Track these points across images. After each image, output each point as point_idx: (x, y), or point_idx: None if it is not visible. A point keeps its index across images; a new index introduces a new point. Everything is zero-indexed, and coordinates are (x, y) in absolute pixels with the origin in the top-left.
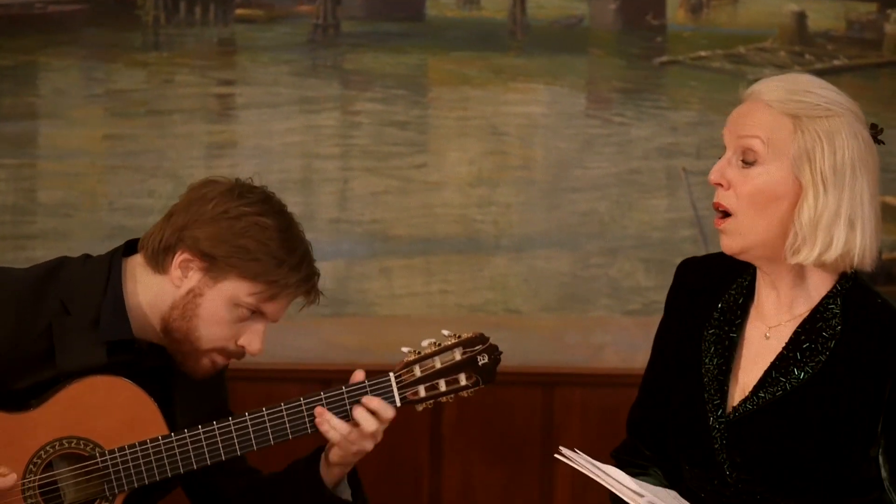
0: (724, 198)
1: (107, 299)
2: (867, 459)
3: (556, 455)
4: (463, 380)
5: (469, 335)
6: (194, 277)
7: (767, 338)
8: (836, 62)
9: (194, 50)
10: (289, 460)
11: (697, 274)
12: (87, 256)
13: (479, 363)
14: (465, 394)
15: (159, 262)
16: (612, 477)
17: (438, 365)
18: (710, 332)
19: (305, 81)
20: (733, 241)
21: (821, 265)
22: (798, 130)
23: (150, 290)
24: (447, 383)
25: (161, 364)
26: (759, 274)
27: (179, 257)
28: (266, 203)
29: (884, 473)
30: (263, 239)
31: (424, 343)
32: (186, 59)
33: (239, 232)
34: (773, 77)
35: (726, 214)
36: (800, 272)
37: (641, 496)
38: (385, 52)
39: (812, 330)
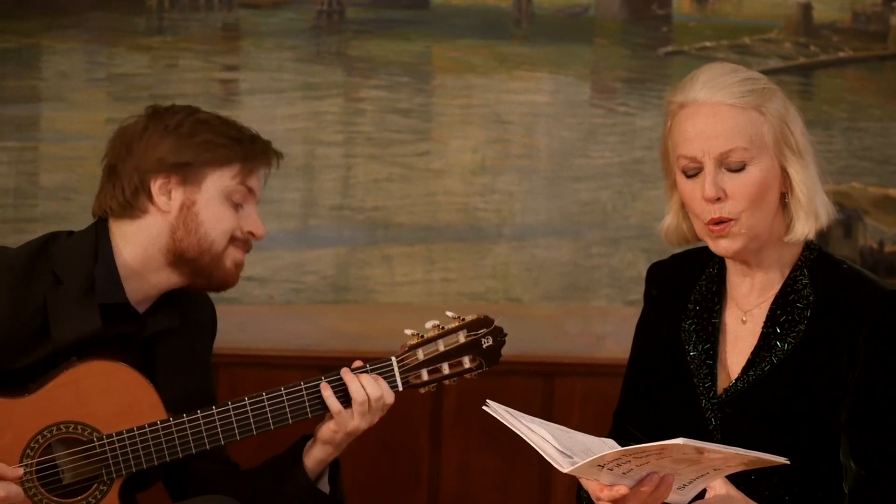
0: (725, 209)
1: (98, 264)
2: None
3: (483, 408)
4: (467, 362)
5: (473, 317)
6: (178, 194)
7: (744, 322)
8: (841, 54)
9: (198, 35)
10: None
11: (667, 274)
12: (71, 231)
13: (484, 346)
14: (469, 376)
15: (136, 207)
16: (539, 435)
17: (442, 348)
18: (688, 322)
19: (309, 68)
20: (735, 242)
21: (802, 240)
22: (766, 118)
23: (138, 239)
24: (451, 366)
25: (155, 331)
26: (730, 264)
27: (156, 185)
28: (189, 107)
29: (843, 417)
30: (212, 129)
31: (428, 325)
32: (190, 44)
33: (190, 133)
34: (701, 76)
35: (723, 221)
36: (778, 253)
37: (569, 457)
38: (389, 39)
39: (786, 303)
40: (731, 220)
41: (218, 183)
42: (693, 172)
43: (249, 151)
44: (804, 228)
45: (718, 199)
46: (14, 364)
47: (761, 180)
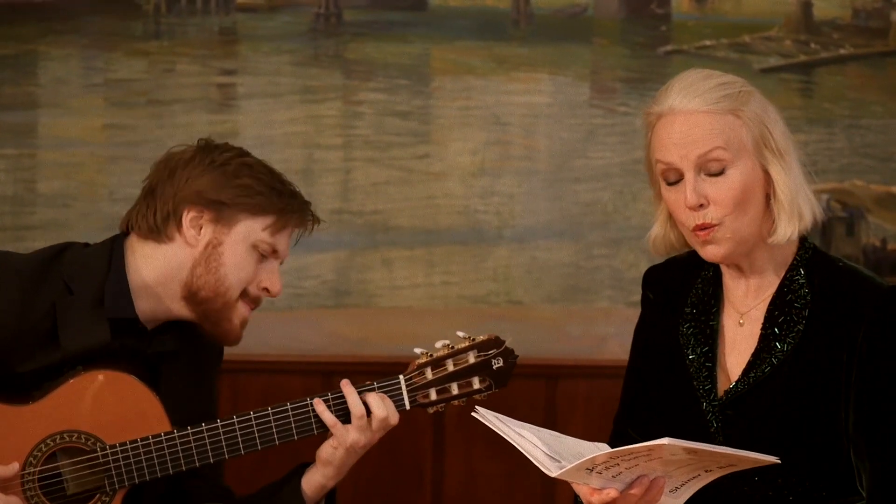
0: (708, 215)
1: (110, 278)
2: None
3: (472, 414)
4: (476, 383)
5: (484, 338)
6: (208, 230)
7: (741, 324)
8: (841, 51)
9: (195, 39)
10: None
11: (663, 277)
12: (87, 243)
13: (494, 367)
14: (478, 397)
15: (163, 233)
16: (527, 440)
17: (451, 368)
18: (686, 326)
19: (307, 71)
20: (721, 247)
21: (784, 242)
22: (743, 121)
23: (159, 263)
24: (459, 386)
25: (161, 350)
26: (723, 267)
27: (188, 216)
28: (237, 148)
29: (851, 419)
30: (256, 175)
31: (438, 345)
32: (187, 49)
33: (233, 173)
34: (676, 85)
35: (707, 227)
36: (770, 254)
37: (557, 461)
38: (387, 42)
39: (783, 303)
40: (714, 225)
41: (248, 230)
42: (674, 179)
43: (287, 206)
44: (786, 230)
45: (701, 206)
46: (20, 366)
47: (742, 184)
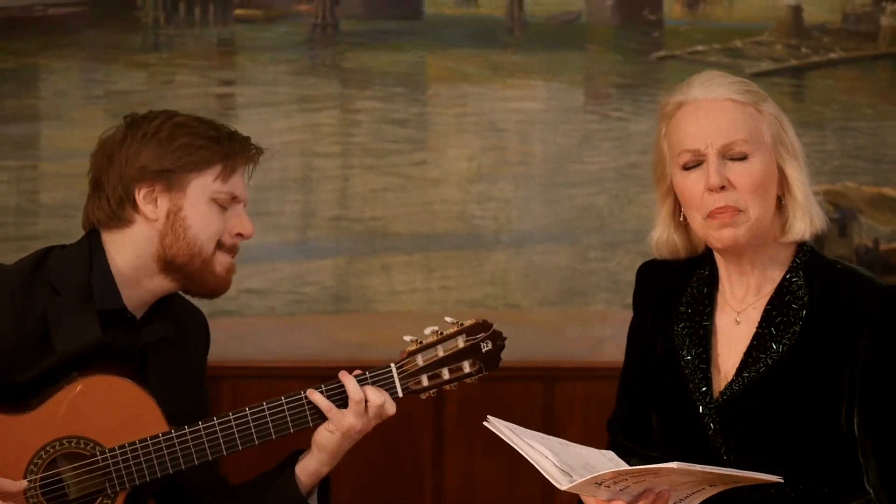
0: (730, 197)
1: (94, 272)
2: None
3: (484, 423)
4: (467, 367)
5: (472, 322)
6: (164, 201)
7: (738, 322)
8: (832, 55)
9: (194, 50)
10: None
11: (658, 274)
12: (64, 245)
13: (483, 350)
14: (469, 381)
15: (123, 217)
16: (538, 451)
17: (441, 353)
18: (681, 326)
19: (305, 80)
20: (739, 231)
21: (799, 240)
22: (763, 116)
23: (129, 247)
24: (450, 371)
25: (150, 340)
26: (724, 264)
27: (140, 194)
28: (163, 112)
29: (856, 421)
30: (190, 131)
31: (427, 331)
32: (186, 60)
33: (168, 139)
34: (697, 79)
35: (730, 209)
36: (773, 252)
37: (568, 474)
38: (384, 51)
39: (781, 304)
40: (739, 210)
41: (202, 187)
42: (693, 165)
43: (228, 150)
44: (801, 226)
45: (723, 188)
46: (18, 377)
47: (763, 172)
